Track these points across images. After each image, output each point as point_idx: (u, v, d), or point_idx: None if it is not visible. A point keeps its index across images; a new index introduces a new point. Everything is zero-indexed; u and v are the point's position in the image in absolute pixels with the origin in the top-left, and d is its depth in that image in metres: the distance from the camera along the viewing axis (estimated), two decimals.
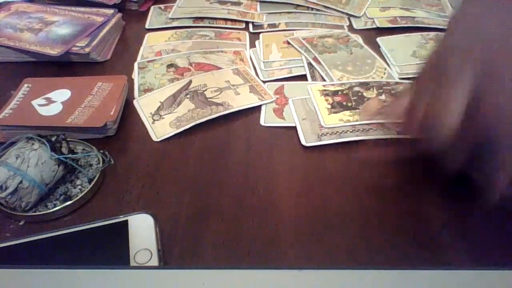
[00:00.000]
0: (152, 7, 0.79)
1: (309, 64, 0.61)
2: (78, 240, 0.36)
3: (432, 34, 0.69)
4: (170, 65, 0.61)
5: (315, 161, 0.46)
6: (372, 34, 0.69)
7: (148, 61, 0.62)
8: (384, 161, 0.44)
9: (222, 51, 0.65)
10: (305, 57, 0.62)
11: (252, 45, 0.67)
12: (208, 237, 0.38)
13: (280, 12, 0.76)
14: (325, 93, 0.55)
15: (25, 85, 0.53)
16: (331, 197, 0.42)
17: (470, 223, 0.39)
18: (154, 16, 0.76)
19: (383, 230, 0.39)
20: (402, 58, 0.63)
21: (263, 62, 0.62)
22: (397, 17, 0.74)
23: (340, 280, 0.25)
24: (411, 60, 0.62)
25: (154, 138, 0.49)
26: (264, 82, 0.58)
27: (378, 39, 0.68)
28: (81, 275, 0.25)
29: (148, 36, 0.70)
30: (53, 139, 0.41)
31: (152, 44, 0.67)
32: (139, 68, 0.61)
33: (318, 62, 0.61)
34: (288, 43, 0.66)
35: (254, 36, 0.69)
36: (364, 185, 0.43)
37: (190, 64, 0.61)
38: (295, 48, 0.65)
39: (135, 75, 0.59)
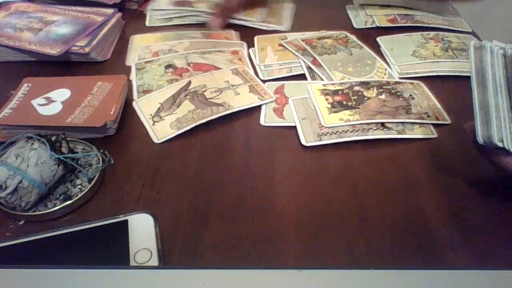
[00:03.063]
0: None
1: (308, 67, 0.61)
2: (78, 240, 0.36)
3: (432, 33, 0.69)
4: (168, 66, 0.60)
5: (315, 161, 0.46)
6: (372, 34, 0.69)
7: (146, 62, 0.62)
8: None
9: (220, 51, 0.64)
10: (303, 61, 0.61)
11: (251, 45, 0.67)
12: (208, 237, 0.38)
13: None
14: (325, 93, 0.55)
15: (25, 84, 0.53)
16: (331, 197, 0.42)
17: (470, 223, 0.39)
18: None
19: (383, 230, 0.39)
20: (402, 57, 0.62)
21: (259, 65, 0.62)
22: (396, 16, 0.74)
23: (340, 280, 0.25)
24: (411, 60, 0.62)
25: (155, 140, 0.48)
26: (264, 81, 0.58)
27: (378, 39, 0.68)
28: (81, 275, 0.25)
29: (133, 39, 0.68)
30: (53, 138, 0.41)
31: (146, 45, 0.66)
32: (136, 69, 0.60)
33: (318, 65, 0.61)
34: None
35: (244, 34, 0.69)
36: (364, 185, 0.43)
37: (188, 64, 0.61)
38: (292, 52, 0.64)
39: (132, 77, 0.59)
